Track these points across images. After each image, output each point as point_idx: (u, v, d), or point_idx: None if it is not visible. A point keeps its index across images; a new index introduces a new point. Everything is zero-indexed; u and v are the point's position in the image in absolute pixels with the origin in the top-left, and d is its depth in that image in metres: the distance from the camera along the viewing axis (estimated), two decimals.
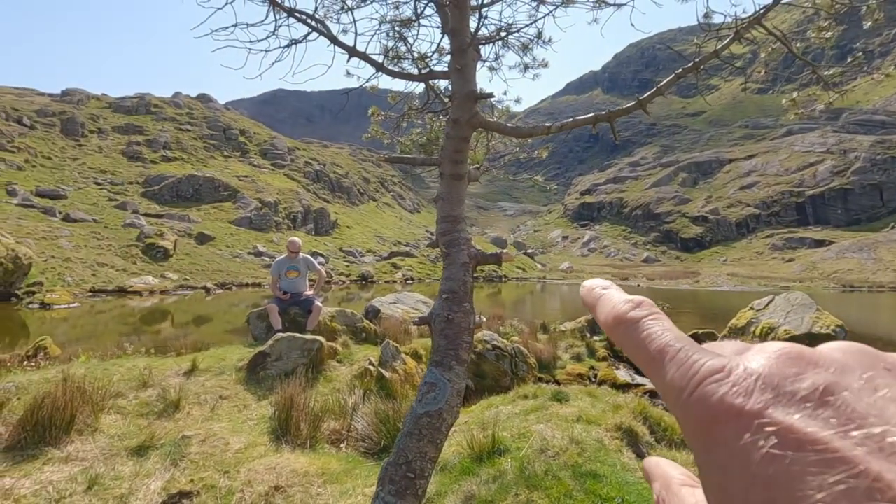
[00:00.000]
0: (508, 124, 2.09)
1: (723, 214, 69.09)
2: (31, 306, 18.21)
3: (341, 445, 3.93)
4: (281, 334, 5.25)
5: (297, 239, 6.78)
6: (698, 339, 9.86)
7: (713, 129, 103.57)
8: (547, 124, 2.12)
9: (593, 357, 9.60)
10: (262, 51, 2.25)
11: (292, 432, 3.77)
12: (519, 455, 2.50)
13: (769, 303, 9.34)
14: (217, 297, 24.31)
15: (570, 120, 2.14)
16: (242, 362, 5.10)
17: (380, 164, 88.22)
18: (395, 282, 36.45)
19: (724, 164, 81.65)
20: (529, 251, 64.05)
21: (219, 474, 3.27)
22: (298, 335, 5.30)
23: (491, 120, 2.02)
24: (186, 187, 43.93)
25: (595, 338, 10.81)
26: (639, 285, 40.96)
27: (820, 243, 55.72)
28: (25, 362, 6.72)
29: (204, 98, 69.43)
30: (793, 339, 8.09)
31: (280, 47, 2.30)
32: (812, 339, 7.93)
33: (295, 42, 2.30)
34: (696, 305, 24.42)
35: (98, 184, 41.93)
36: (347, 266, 39.23)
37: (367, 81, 2.62)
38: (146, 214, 36.91)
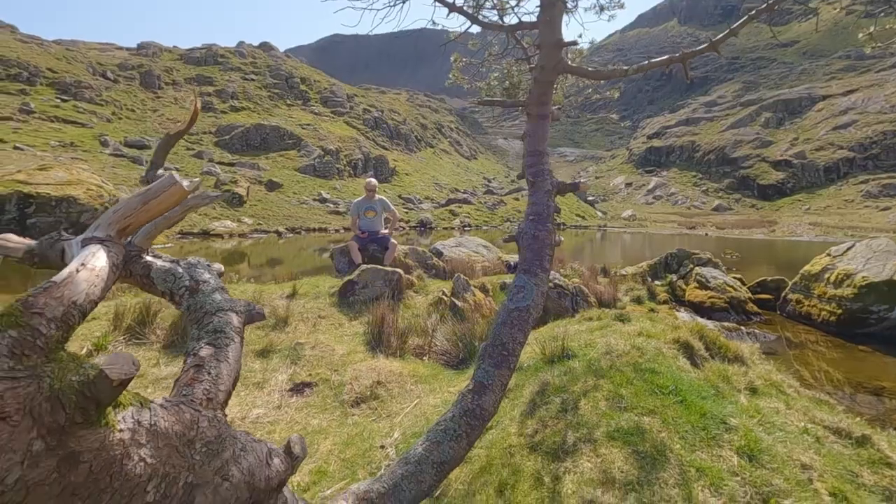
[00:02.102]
0: (589, 68, 2.35)
1: (810, 158, 62.82)
2: None
3: (424, 358, 4.58)
4: (365, 266, 5.92)
5: (373, 179, 7.36)
6: (766, 286, 9.69)
7: (807, 62, 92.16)
8: (624, 67, 2.36)
9: (654, 300, 9.73)
10: (371, 9, 2.60)
11: (384, 344, 4.46)
12: (586, 357, 2.95)
13: (848, 249, 8.94)
14: (288, 241, 26.10)
15: (647, 62, 2.35)
16: (334, 289, 5.86)
17: (437, 109, 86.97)
18: (452, 228, 37.14)
19: (816, 102, 73.19)
20: (590, 198, 62.20)
21: (330, 371, 4.01)
22: (380, 267, 5.95)
23: (573, 65, 2.30)
24: (254, 136, 45.96)
25: (657, 282, 10.86)
26: (707, 234, 39.08)
27: None
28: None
29: (266, 47, 70.69)
30: (870, 285, 7.83)
31: (387, 6, 2.64)
32: (892, 287, 7.65)
33: (403, 0, 2.64)
34: (769, 255, 23.21)
35: None
36: (406, 213, 40.25)
37: (461, 34, 2.92)
38: (220, 163, 39.29)
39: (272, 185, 37.79)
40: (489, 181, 68.34)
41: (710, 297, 9.34)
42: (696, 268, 10.53)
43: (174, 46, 64.40)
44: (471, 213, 41.73)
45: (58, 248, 1.14)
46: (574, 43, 2.21)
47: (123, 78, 51.67)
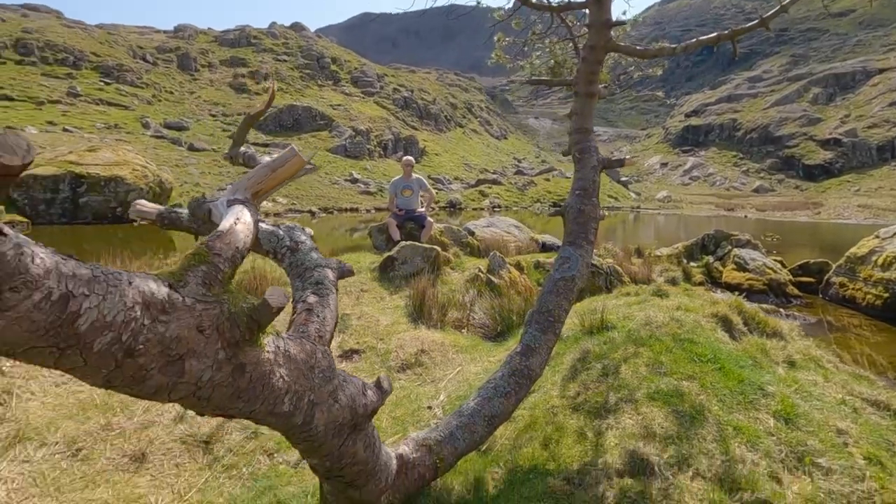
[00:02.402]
0: (637, 47, 2.41)
1: (861, 137, 59.19)
2: None
3: (463, 330, 4.78)
4: (405, 242, 6.13)
5: (411, 157, 7.55)
6: (808, 269, 9.45)
7: (863, 32, 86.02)
8: (672, 46, 2.40)
9: (689, 282, 9.61)
10: None
11: (425, 316, 4.67)
12: (625, 329, 3.07)
13: None
14: (321, 220, 26.69)
15: (694, 41, 2.39)
16: (374, 265, 6.10)
17: (467, 88, 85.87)
18: (482, 209, 37.05)
19: (871, 76, 68.51)
20: (623, 179, 60.64)
21: (376, 340, 4.26)
22: (418, 244, 6.15)
23: (621, 44, 2.36)
24: (287, 117, 46.68)
25: (692, 264, 10.71)
26: (746, 216, 37.72)
27: None
28: None
29: (297, 27, 71.05)
30: None
31: None
32: None
33: None
34: (813, 238, 22.32)
35: (213, 115, 45.93)
36: (436, 193, 40.36)
37: (509, 16, 3.00)
38: (255, 144, 40.10)
39: None
40: (519, 161, 67.43)
41: (747, 280, 9.18)
42: (735, 249, 10.33)
43: (209, 28, 65.54)
44: (501, 194, 41.47)
45: (205, 208, 1.35)
46: (622, 23, 2.28)
47: (162, 61, 53.08)
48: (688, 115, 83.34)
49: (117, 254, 7.60)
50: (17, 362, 3.28)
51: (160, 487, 2.45)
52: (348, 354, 4.07)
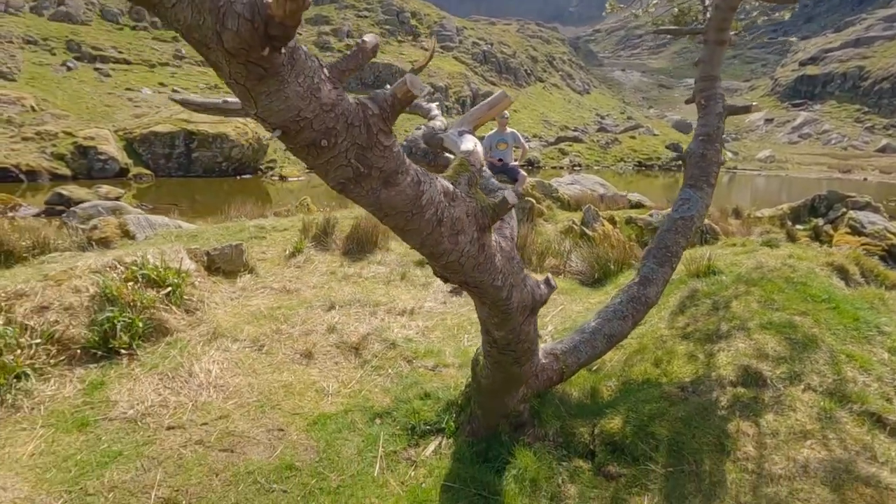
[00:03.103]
0: None
1: None
2: (272, 178, 23.44)
3: (560, 276, 5.08)
4: None
5: (506, 111, 7.69)
6: None
7: None
8: None
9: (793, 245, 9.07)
10: None
11: (525, 261, 5.02)
12: (733, 273, 3.20)
13: None
14: None
15: None
16: None
17: (549, 39, 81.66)
18: (561, 168, 36.05)
19: None
20: None
21: None
22: None
23: None
24: (368, 75, 47.48)
25: (798, 226, 10.00)
26: (865, 179, 33.47)
27: None
28: (306, 210, 9.38)
29: None
30: None
31: None
32: None
33: None
34: None
35: None
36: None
37: None
38: None
39: None
40: (602, 118, 64.03)
41: (862, 244, 8.49)
42: (850, 212, 9.50)
43: None
44: (581, 152, 39.98)
45: (438, 138, 1.76)
46: None
47: None
48: (803, 64, 73.61)
49: (228, 203, 8.86)
50: (206, 279, 4.08)
51: (327, 377, 3.08)
52: (458, 290, 4.54)
